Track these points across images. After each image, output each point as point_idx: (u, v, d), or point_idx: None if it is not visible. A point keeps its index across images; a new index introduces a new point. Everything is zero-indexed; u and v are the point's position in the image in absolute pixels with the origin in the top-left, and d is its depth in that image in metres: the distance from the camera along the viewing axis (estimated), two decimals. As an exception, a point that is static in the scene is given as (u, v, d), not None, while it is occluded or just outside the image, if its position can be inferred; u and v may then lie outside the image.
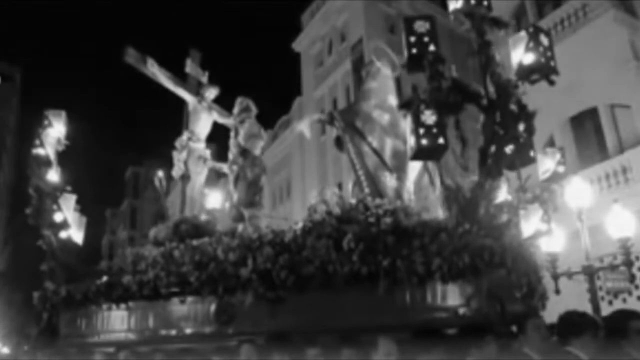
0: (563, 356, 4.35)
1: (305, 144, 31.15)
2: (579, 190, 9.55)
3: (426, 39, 5.74)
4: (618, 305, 14.08)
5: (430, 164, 7.61)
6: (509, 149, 5.63)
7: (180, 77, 10.03)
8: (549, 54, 5.77)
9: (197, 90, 9.94)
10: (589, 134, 17.43)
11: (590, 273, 9.89)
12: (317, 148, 30.11)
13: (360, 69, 26.80)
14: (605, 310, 10.42)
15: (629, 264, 9.89)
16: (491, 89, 5.71)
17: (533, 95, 6.25)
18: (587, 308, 9.39)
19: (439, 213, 7.22)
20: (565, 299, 6.91)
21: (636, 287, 13.84)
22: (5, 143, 60.22)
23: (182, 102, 10.06)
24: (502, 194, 6.02)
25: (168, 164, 10.50)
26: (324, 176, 29.19)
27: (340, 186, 26.52)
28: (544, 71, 5.75)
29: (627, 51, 16.26)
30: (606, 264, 11.20)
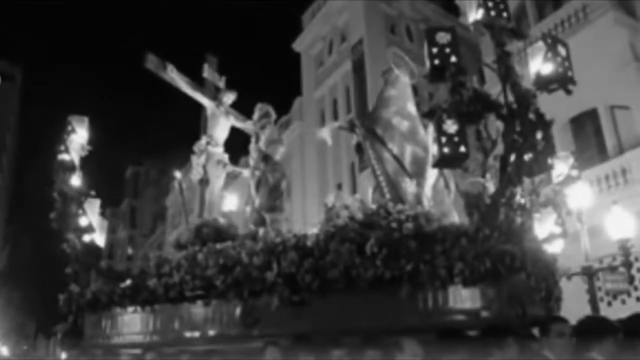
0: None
1: (305, 144, 31.17)
2: (578, 192, 9.69)
3: (448, 50, 5.90)
4: (617, 306, 14.18)
5: (446, 169, 7.80)
6: (527, 156, 5.79)
7: (198, 82, 10.22)
8: (566, 64, 5.94)
9: (214, 95, 10.13)
10: (588, 135, 17.54)
11: (589, 274, 10.03)
12: (317, 148, 30.18)
13: (360, 69, 27.09)
14: (604, 311, 10.57)
15: (628, 265, 10.05)
16: (511, 98, 5.88)
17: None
18: (586, 309, 9.55)
19: (455, 216, 7.42)
20: (564, 300, 7.07)
21: (635, 288, 14.02)
22: (5, 143, 60.36)
23: (185, 101, 10.24)
24: (516, 198, 6.19)
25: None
26: (324, 177, 29.29)
27: (340, 186, 26.77)
28: (561, 81, 5.92)
29: (627, 52, 16.40)
30: (605, 265, 11.36)
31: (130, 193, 66.27)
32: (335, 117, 29.31)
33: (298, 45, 34.49)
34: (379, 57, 26.73)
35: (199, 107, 10.28)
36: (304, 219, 23.57)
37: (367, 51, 27.63)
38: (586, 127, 17.66)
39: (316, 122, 30.74)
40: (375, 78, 25.78)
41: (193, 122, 10.89)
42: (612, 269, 11.13)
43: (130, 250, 59.64)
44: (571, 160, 8.74)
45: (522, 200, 6.11)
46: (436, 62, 5.90)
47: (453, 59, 5.86)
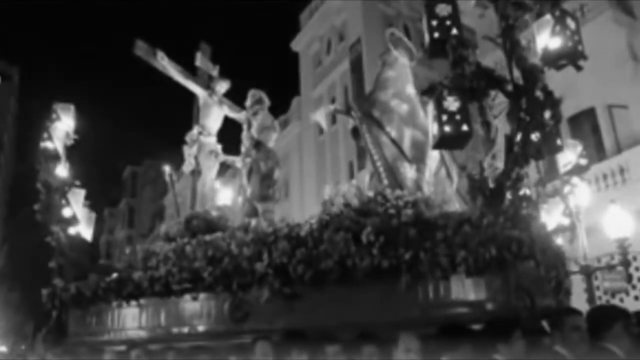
0: (599, 354, 4.13)
1: (303, 144, 30.94)
2: (576, 191, 9.45)
3: (448, 23, 5.50)
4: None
5: (447, 157, 7.40)
6: (535, 136, 5.38)
7: (190, 70, 9.87)
8: (576, 38, 5.54)
9: (207, 84, 9.77)
10: (586, 134, 17.32)
11: (587, 273, 9.78)
12: (315, 148, 29.97)
13: (358, 68, 26.82)
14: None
15: (626, 264, 9.86)
16: (517, 74, 5.48)
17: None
18: (585, 308, 9.27)
19: (457, 206, 7.01)
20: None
21: (633, 287, 13.93)
22: (2, 143, 60.25)
23: (184, 100, 9.93)
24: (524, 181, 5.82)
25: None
26: (322, 176, 28.98)
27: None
28: (571, 56, 5.51)
29: (625, 52, 16.27)
30: (603, 264, 11.15)
31: (128, 193, 65.88)
32: (334, 116, 29.00)
33: (296, 44, 34.23)
34: (376, 57, 26.36)
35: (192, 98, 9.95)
36: (302, 219, 23.18)
37: (365, 50, 27.40)
38: (584, 126, 17.46)
39: (314, 121, 30.30)
40: (373, 77, 25.49)
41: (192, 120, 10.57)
42: (610, 268, 10.97)
43: (128, 250, 59.36)
44: (579, 148, 8.37)
45: (528, 192, 5.72)
46: (436, 35, 5.49)
47: (454, 31, 5.45)
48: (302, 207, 27.56)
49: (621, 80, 15.75)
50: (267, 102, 8.63)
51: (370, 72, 25.98)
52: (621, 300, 14.30)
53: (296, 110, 32.65)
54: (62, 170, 8.08)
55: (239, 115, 9.57)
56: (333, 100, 30.07)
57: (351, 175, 26.54)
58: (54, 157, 7.88)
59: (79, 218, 7.74)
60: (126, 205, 64.75)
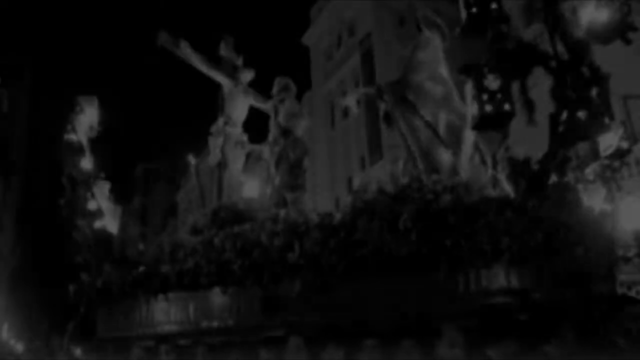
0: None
1: (315, 139, 30.70)
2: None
3: (487, -4, 5.20)
4: (632, 297, 13.68)
5: (482, 143, 7.08)
6: (582, 114, 5.06)
7: (215, 61, 9.69)
8: (625, 9, 5.20)
9: (232, 73, 9.55)
10: None
11: None
12: (327, 141, 29.85)
13: (369, 63, 26.60)
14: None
15: None
16: (561, 49, 5.15)
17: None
18: None
19: (492, 193, 6.69)
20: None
21: None
22: (14, 140, 60.63)
23: (198, 96, 9.77)
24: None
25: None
26: (333, 170, 28.88)
27: (349, 180, 26.21)
28: (619, 29, 5.18)
29: None
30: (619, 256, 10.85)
31: (141, 190, 65.86)
32: (345, 110, 28.74)
33: (307, 39, 34.05)
34: (387, 50, 26.36)
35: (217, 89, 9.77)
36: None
37: (376, 44, 27.22)
38: (599, 117, 17.23)
39: (326, 116, 30.58)
40: (384, 71, 25.30)
41: (202, 119, 10.43)
42: (626, 260, 10.61)
43: (142, 247, 59.59)
44: (621, 130, 7.98)
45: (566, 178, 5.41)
46: (474, 10, 5.17)
47: (493, 5, 5.14)
48: (314, 201, 27.33)
49: (637, 71, 15.46)
50: (293, 89, 8.40)
51: (381, 65, 25.85)
52: (637, 292, 14.00)
53: (307, 104, 32.37)
54: (86, 163, 7.95)
55: (265, 106, 9.36)
56: (344, 94, 29.87)
57: (363, 169, 26.37)
58: (78, 150, 7.75)
59: (104, 211, 7.60)
60: (139, 202, 64.75)
